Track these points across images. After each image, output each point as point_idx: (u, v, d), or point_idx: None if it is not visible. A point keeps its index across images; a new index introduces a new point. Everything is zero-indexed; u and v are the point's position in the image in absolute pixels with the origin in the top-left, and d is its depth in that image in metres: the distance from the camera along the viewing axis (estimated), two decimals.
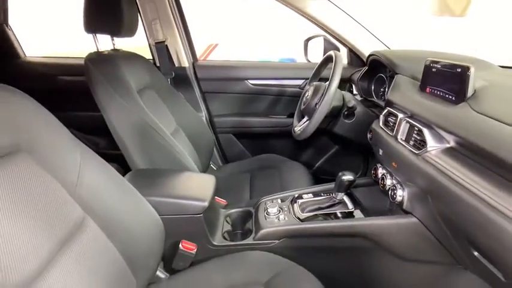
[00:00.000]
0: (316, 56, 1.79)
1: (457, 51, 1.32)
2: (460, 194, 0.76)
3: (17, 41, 2.06)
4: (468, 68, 0.87)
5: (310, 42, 1.84)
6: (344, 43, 1.75)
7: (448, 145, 0.89)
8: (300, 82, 1.90)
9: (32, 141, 0.74)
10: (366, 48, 1.66)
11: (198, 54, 2.04)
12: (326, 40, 1.78)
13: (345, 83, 1.78)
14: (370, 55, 1.53)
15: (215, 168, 1.93)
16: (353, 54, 1.77)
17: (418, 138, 0.97)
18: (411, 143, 1.00)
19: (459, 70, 0.90)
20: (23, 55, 2.10)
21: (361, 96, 1.65)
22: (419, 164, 0.92)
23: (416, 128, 0.99)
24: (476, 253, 0.79)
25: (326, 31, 1.74)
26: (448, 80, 0.94)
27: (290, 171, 1.66)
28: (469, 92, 0.88)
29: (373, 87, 1.59)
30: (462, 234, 0.82)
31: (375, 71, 1.55)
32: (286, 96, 1.96)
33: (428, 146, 0.91)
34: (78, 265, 0.73)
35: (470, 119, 0.82)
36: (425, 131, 0.94)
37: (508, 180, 0.67)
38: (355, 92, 1.71)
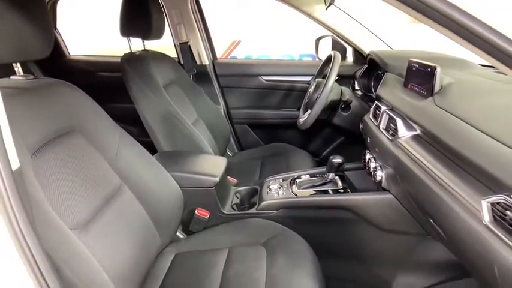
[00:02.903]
0: (326, 53, 1.95)
1: (449, 51, 1.44)
2: (418, 173, 0.91)
3: (63, 41, 2.35)
4: (435, 68, 1.02)
5: (320, 42, 2.00)
6: (349, 43, 1.91)
7: (415, 133, 1.06)
8: (308, 78, 2.06)
9: (83, 124, 0.98)
10: (369, 48, 1.80)
11: (222, 50, 2.21)
12: (334, 40, 1.95)
13: (349, 79, 1.94)
14: (368, 54, 1.69)
15: (231, 155, 2.13)
16: (357, 53, 1.93)
17: (394, 127, 1.14)
18: (390, 132, 1.17)
19: (429, 69, 1.05)
20: (67, 54, 2.38)
21: (361, 92, 1.81)
22: (392, 148, 1.09)
23: (393, 119, 1.16)
24: (431, 220, 0.97)
25: (333, 32, 1.90)
26: (422, 77, 1.10)
27: (297, 158, 1.84)
28: (436, 88, 1.03)
29: (372, 84, 1.74)
30: (421, 206, 0.98)
31: (374, 69, 1.71)
32: (296, 91, 2.13)
33: (399, 133, 1.09)
34: (116, 219, 0.97)
35: (432, 112, 0.97)
36: (398, 121, 1.11)
37: (455, 164, 0.82)
38: (356, 87, 1.87)
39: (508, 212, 0.62)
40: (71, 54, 2.41)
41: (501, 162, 0.65)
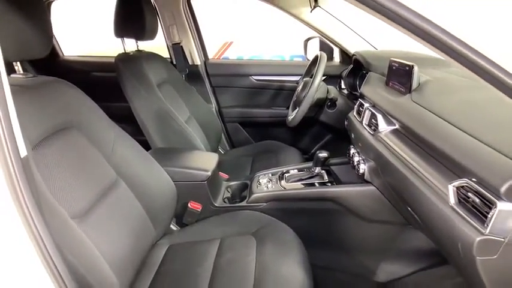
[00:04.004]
0: (315, 54, 2.00)
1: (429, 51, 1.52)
2: (396, 164, 0.98)
3: (57, 42, 2.38)
4: (412, 66, 1.10)
5: (309, 43, 2.07)
6: (335, 44, 1.98)
7: (394, 127, 1.13)
8: (297, 78, 2.11)
9: (80, 120, 1.02)
10: (354, 48, 1.87)
11: (214, 51, 2.26)
12: (321, 41, 2.02)
13: (336, 79, 2.01)
14: (353, 55, 1.76)
15: (223, 152, 2.19)
16: (343, 53, 2.00)
17: (375, 122, 1.21)
18: (372, 127, 1.24)
19: (407, 68, 1.13)
20: (62, 54, 2.41)
21: (347, 91, 1.88)
22: (373, 142, 1.16)
23: (375, 115, 1.23)
24: (408, 208, 1.04)
25: (320, 34, 1.97)
26: (401, 76, 1.17)
27: (286, 155, 1.90)
28: (414, 86, 1.11)
29: (357, 83, 1.82)
30: (399, 195, 1.05)
31: (359, 69, 1.78)
32: (285, 90, 2.19)
33: (380, 128, 1.16)
34: (113, 211, 1.01)
35: (409, 108, 1.04)
36: (379, 116, 1.18)
37: (428, 154, 0.89)
38: (343, 86, 1.95)
39: (470, 194, 0.69)
40: (65, 54, 2.44)
41: (464, 149, 0.72)
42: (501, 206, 0.60)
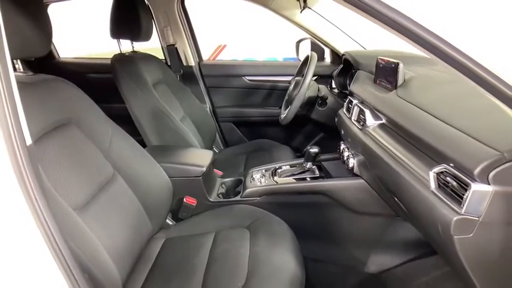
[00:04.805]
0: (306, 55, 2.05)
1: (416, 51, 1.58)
2: (383, 156, 1.03)
3: (53, 44, 2.40)
4: (398, 64, 1.15)
5: (301, 44, 2.12)
6: (326, 45, 2.04)
7: (381, 122, 1.18)
8: (289, 78, 2.14)
9: (79, 117, 1.05)
10: (344, 48, 1.92)
11: (208, 54, 2.30)
12: (312, 42, 2.07)
13: (327, 79, 2.06)
14: (342, 54, 1.82)
15: (217, 151, 2.22)
16: (334, 54, 2.06)
17: (363, 118, 1.26)
18: (360, 122, 1.29)
19: (393, 65, 1.18)
20: (57, 56, 2.44)
21: (338, 90, 1.93)
22: (361, 136, 1.21)
23: (363, 110, 1.28)
24: (395, 198, 1.08)
25: (312, 35, 2.02)
26: (388, 73, 1.22)
27: (279, 153, 1.94)
28: (399, 82, 1.16)
29: (348, 82, 1.87)
30: (386, 185, 1.10)
31: (349, 68, 1.83)
32: (277, 90, 2.24)
33: (367, 123, 1.21)
34: (111, 205, 1.04)
35: (395, 102, 1.10)
36: (367, 112, 1.23)
37: (411, 144, 0.94)
38: (334, 85, 2.00)
39: (448, 179, 0.74)
40: (60, 56, 2.46)
41: (443, 137, 0.78)
42: (475, 187, 0.65)
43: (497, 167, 0.63)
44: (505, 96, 0.59)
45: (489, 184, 0.64)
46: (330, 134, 2.15)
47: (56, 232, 0.64)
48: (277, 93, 2.25)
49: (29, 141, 0.63)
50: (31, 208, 0.61)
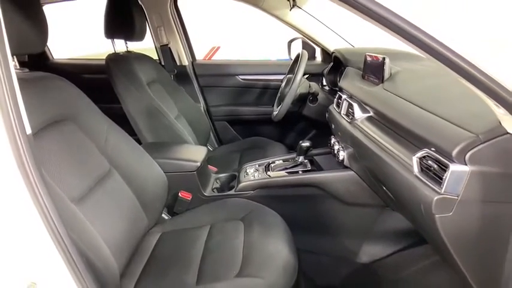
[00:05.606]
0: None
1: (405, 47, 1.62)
2: (370, 146, 1.07)
3: (47, 46, 2.42)
4: (384, 59, 1.20)
5: (292, 43, 2.16)
6: (317, 44, 2.08)
7: (368, 114, 1.22)
8: (282, 77, 2.17)
9: (75, 114, 1.08)
10: (334, 47, 1.97)
11: (202, 56, 2.32)
12: (304, 41, 2.11)
13: (318, 77, 2.10)
14: (332, 52, 1.86)
15: (211, 150, 2.25)
16: (325, 52, 2.10)
17: (352, 111, 1.30)
18: (349, 116, 1.33)
19: (380, 60, 1.23)
20: (51, 58, 2.46)
21: (328, 87, 1.98)
22: (350, 129, 1.25)
23: (351, 104, 1.32)
24: (384, 187, 1.12)
25: (303, 34, 2.07)
26: (375, 68, 1.27)
27: (273, 150, 1.97)
28: (386, 76, 1.21)
29: (338, 79, 1.91)
30: (375, 175, 1.14)
31: (339, 66, 1.88)
32: (270, 88, 2.27)
33: (356, 116, 1.25)
34: (107, 199, 1.06)
35: (381, 95, 1.14)
36: (355, 105, 1.27)
37: (396, 133, 0.98)
38: (325, 83, 2.04)
39: (430, 162, 0.78)
40: (54, 58, 2.48)
41: (424, 124, 0.82)
42: (453, 167, 0.69)
43: (473, 148, 0.67)
44: (484, 86, 0.62)
45: (466, 165, 0.68)
46: (322, 130, 2.19)
47: (55, 216, 0.67)
48: (270, 92, 2.28)
49: (28, 130, 0.66)
50: (31, 193, 0.64)
